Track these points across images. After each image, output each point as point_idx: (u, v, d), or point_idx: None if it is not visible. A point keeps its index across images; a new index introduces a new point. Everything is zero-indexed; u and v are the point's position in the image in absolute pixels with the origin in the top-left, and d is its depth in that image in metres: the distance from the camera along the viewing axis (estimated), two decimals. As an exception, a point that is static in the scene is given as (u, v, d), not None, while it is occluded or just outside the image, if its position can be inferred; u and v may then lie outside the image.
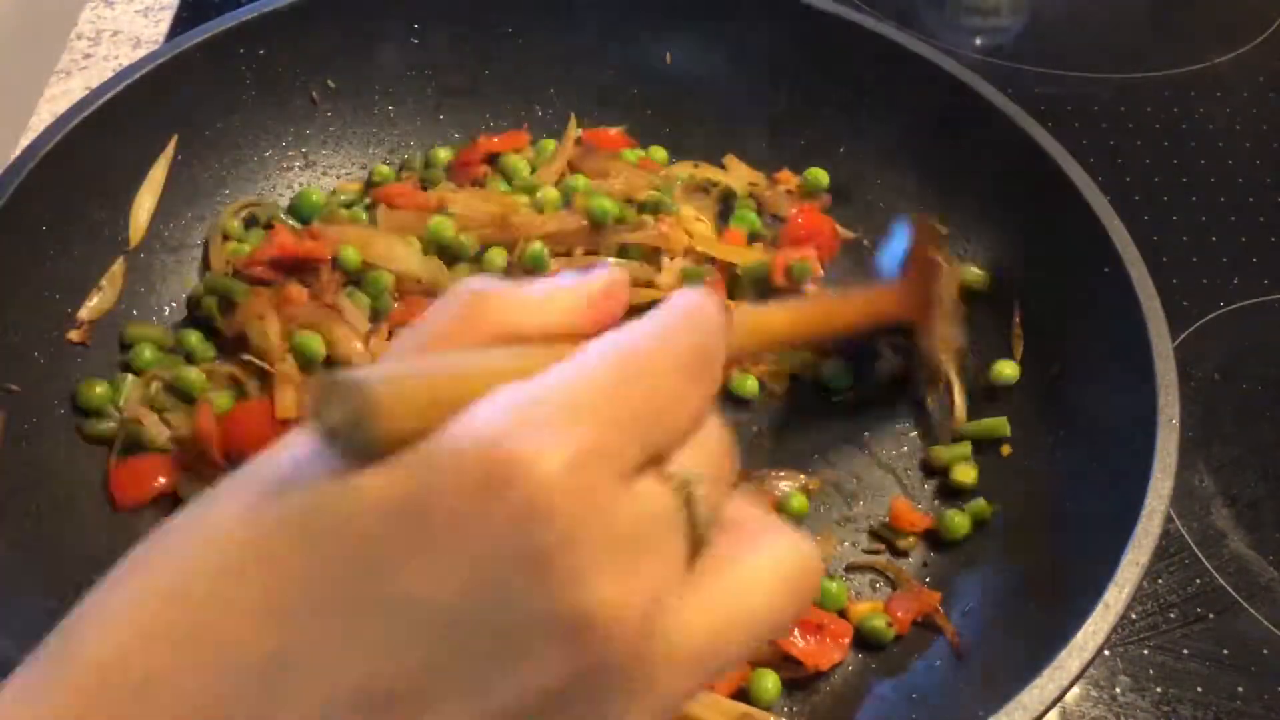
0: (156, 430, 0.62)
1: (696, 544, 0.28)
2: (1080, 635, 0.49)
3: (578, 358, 0.27)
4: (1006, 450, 0.65)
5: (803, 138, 0.79)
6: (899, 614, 0.59)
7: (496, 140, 0.78)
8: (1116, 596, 0.50)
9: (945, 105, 0.73)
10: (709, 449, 0.29)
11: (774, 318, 0.51)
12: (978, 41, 1.00)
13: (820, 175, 0.78)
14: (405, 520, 0.25)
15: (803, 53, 0.77)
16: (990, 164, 0.71)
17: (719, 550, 0.28)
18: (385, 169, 0.76)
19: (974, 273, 0.72)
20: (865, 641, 0.59)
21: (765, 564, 0.29)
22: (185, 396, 0.64)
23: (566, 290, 0.31)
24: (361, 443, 0.25)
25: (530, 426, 0.25)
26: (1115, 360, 0.61)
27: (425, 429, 0.25)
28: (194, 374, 0.64)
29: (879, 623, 0.58)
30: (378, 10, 0.76)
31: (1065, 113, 0.92)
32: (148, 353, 0.65)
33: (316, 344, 0.64)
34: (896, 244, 0.67)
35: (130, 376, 0.64)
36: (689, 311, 0.29)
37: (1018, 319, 0.69)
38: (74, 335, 0.64)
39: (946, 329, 0.67)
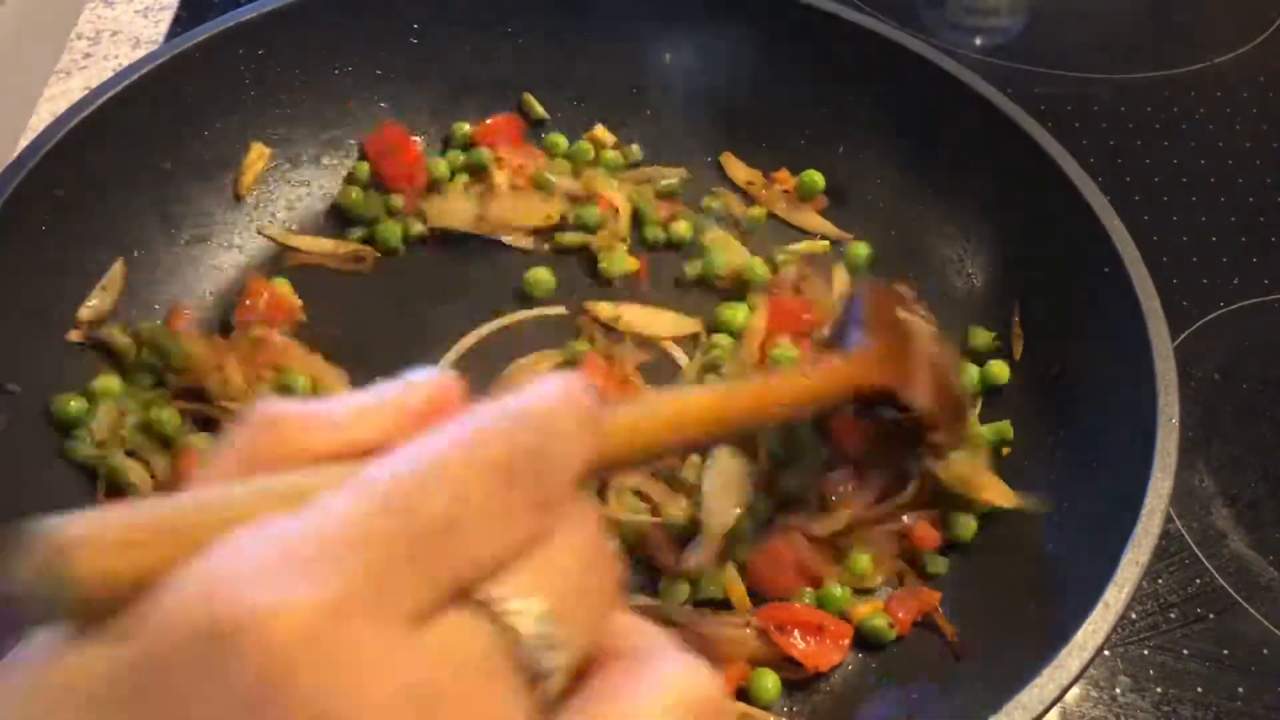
0: (139, 477, 0.60)
1: (537, 680, 0.23)
2: (1080, 634, 0.49)
3: (356, 478, 0.23)
4: (1006, 450, 0.65)
5: (801, 137, 0.79)
6: (900, 614, 0.59)
7: (489, 123, 0.78)
8: (1116, 596, 0.50)
9: (942, 103, 0.73)
10: (562, 566, 0.24)
11: (687, 406, 0.38)
12: (978, 41, 1.00)
13: (816, 178, 0.77)
14: (128, 704, 0.21)
15: (800, 51, 0.77)
16: (989, 163, 0.71)
17: (590, 687, 0.24)
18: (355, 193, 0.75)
19: (982, 334, 0.70)
20: (866, 642, 0.59)
21: (648, 702, 0.24)
22: (159, 436, 0.62)
23: (379, 405, 0.26)
24: (61, 605, 0.21)
25: (271, 572, 0.21)
26: (1115, 360, 0.61)
27: (149, 581, 0.21)
28: (166, 415, 0.61)
29: (880, 622, 0.58)
30: (377, 7, 0.77)
31: (1065, 113, 0.92)
32: (114, 384, 0.63)
33: (299, 381, 0.63)
34: (854, 313, 0.59)
35: (102, 406, 0.61)
36: (526, 406, 0.25)
37: (1017, 319, 0.69)
38: (74, 335, 0.64)
39: (942, 395, 0.58)
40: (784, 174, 0.78)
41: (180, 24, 0.93)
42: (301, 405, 0.26)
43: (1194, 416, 0.73)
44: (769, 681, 0.56)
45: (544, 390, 0.26)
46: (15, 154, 0.62)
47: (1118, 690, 0.61)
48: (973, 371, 0.68)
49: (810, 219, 0.77)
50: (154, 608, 0.21)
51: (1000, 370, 0.68)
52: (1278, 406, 0.74)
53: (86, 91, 0.67)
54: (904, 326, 0.58)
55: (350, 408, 0.26)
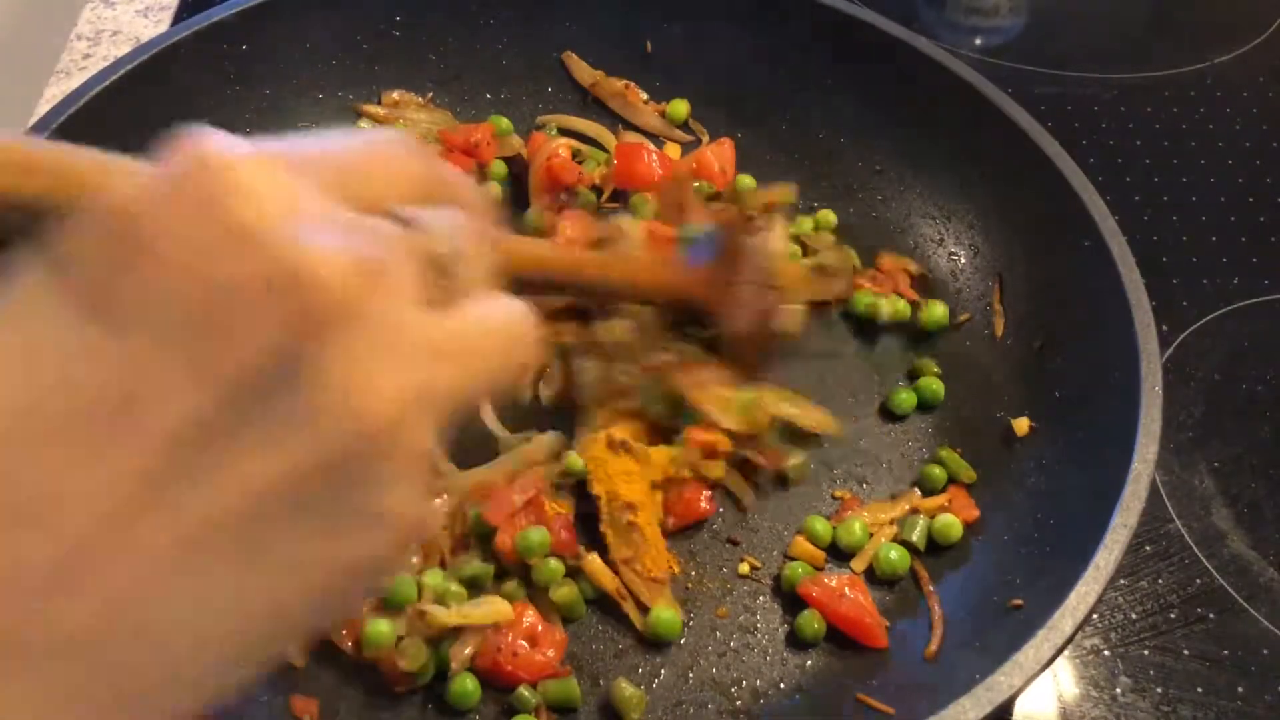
0: None
1: (439, 271, 0.30)
2: (1072, 597, 0.50)
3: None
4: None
5: (784, 120, 0.80)
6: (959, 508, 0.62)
7: (474, 131, 0.78)
8: (1106, 559, 0.51)
9: (923, 85, 0.74)
10: (455, 217, 0.31)
11: (551, 251, 0.56)
12: (978, 41, 1.00)
13: (680, 106, 0.80)
14: (114, 238, 0.26)
15: (780, 33, 0.78)
16: (967, 140, 0.73)
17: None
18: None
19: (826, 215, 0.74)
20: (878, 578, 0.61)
21: (489, 311, 0.32)
22: None
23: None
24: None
25: (218, 139, 0.27)
26: (1096, 331, 0.62)
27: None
28: None
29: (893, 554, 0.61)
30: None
31: (1065, 113, 0.92)
32: None
33: None
34: (716, 238, 0.64)
35: None
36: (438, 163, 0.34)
37: (997, 296, 0.70)
38: None
39: (751, 312, 0.62)
40: (633, 87, 0.81)
41: (180, 24, 0.93)
42: (230, 138, 0.30)
43: (1194, 416, 0.73)
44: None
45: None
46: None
47: (1118, 690, 0.61)
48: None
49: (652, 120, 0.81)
50: (111, 189, 0.27)
51: (939, 311, 0.70)
52: (1278, 406, 0.74)
53: (86, 91, 0.67)
54: (745, 257, 0.63)
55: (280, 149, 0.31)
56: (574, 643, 0.57)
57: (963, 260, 0.74)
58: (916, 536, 0.62)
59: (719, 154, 0.77)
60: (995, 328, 0.70)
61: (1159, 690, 0.61)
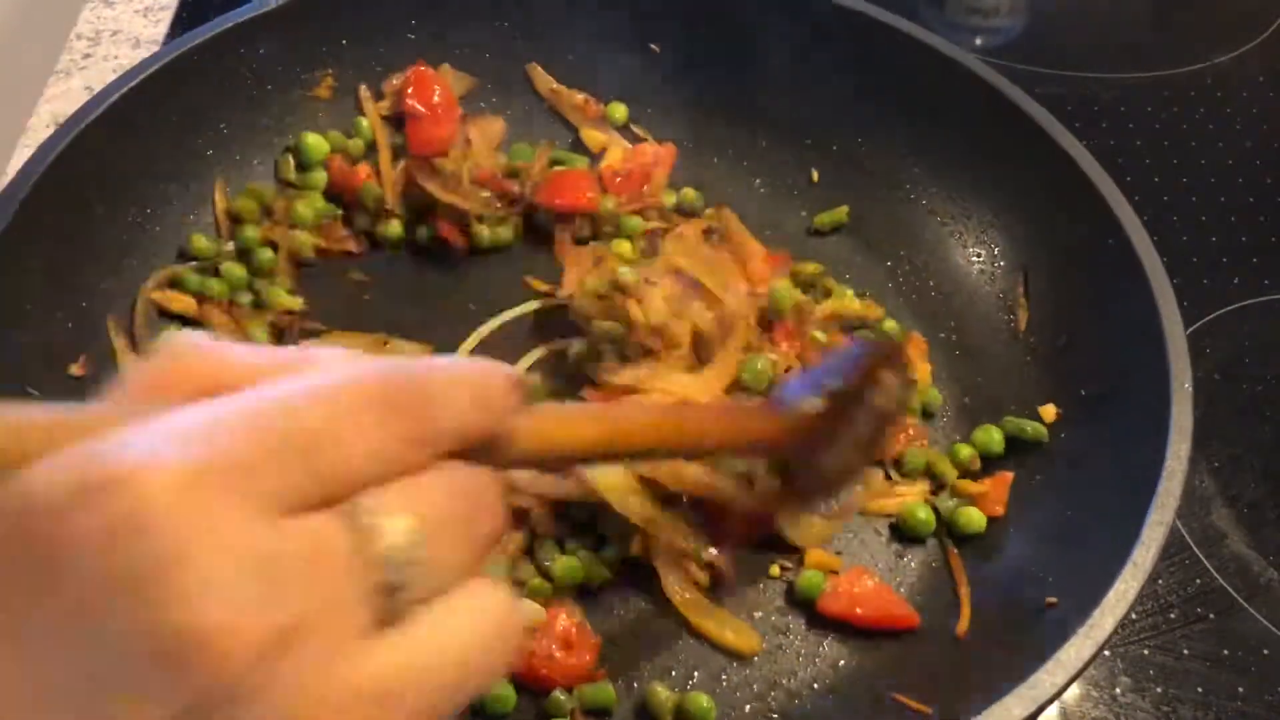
0: None
1: (392, 591, 0.25)
2: (1112, 595, 0.50)
3: (248, 390, 0.25)
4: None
5: (799, 123, 0.79)
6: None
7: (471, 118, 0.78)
8: (1144, 555, 0.51)
9: (936, 80, 0.74)
10: (434, 498, 0.27)
11: (581, 428, 0.38)
12: (978, 41, 1.00)
13: (619, 109, 0.79)
14: (5, 551, 0.23)
15: (790, 34, 0.78)
16: (989, 142, 0.72)
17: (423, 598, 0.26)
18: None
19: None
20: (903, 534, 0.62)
21: (453, 623, 0.27)
22: None
23: (282, 357, 0.28)
24: None
25: (141, 443, 0.23)
26: (1122, 328, 0.62)
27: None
28: None
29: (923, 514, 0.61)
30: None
31: (1065, 113, 0.92)
32: None
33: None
34: (834, 366, 0.54)
35: None
36: (422, 367, 0.27)
37: (1022, 291, 0.70)
38: (75, 369, 0.63)
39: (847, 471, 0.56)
40: (589, 99, 0.80)
41: (180, 24, 0.93)
42: (207, 342, 0.28)
43: (1194, 417, 0.73)
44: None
45: (445, 361, 0.28)
46: (15, 154, 0.62)
47: (1118, 690, 0.61)
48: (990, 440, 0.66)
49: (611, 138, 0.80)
50: (32, 473, 0.23)
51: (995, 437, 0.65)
52: (1278, 406, 0.74)
53: (86, 91, 0.67)
54: (867, 397, 0.52)
55: (253, 351, 0.28)
56: (607, 645, 0.57)
57: (981, 259, 0.74)
58: (946, 507, 0.62)
59: (659, 155, 0.77)
60: (1019, 322, 0.70)
61: (1159, 690, 0.61)
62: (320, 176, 0.75)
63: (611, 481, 0.58)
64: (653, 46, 0.80)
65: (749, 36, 0.78)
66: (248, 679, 0.23)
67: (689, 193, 0.77)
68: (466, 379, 0.28)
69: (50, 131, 0.64)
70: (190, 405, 0.25)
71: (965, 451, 0.64)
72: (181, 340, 0.28)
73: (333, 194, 0.75)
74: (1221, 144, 0.91)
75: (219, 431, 0.24)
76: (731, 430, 0.49)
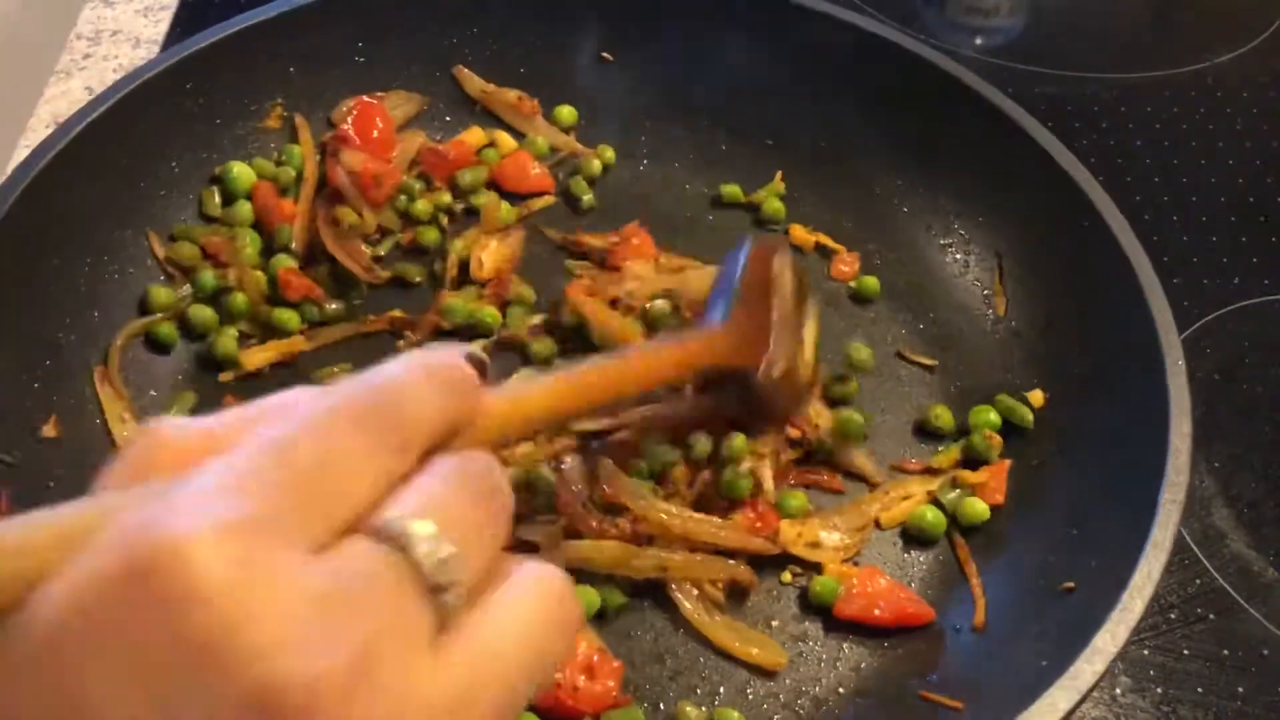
0: None
1: (439, 592, 0.26)
2: (1137, 577, 0.50)
3: (237, 446, 0.26)
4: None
5: (788, 133, 0.79)
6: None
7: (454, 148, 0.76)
8: (1163, 535, 0.52)
9: (923, 88, 0.74)
10: (442, 495, 0.28)
11: (541, 394, 0.41)
12: (978, 41, 1.00)
13: (568, 111, 0.79)
14: (65, 637, 0.23)
15: (773, 41, 0.78)
16: (954, 126, 0.73)
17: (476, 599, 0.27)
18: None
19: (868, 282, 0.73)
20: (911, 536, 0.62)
21: (511, 608, 0.28)
22: None
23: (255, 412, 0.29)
24: None
25: (174, 510, 0.24)
26: (1106, 308, 0.63)
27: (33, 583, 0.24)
28: None
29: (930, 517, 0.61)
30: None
31: (1065, 113, 0.92)
32: None
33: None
34: (730, 271, 0.60)
35: None
36: (375, 375, 0.28)
37: (998, 276, 0.71)
38: (47, 430, 0.60)
39: (791, 356, 0.58)
40: (526, 99, 0.79)
41: (180, 24, 0.93)
42: (182, 422, 0.29)
43: (1194, 416, 0.72)
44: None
45: (397, 363, 0.29)
46: (15, 154, 0.62)
47: (1118, 690, 0.61)
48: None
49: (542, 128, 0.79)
50: (80, 559, 0.24)
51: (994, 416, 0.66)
52: (1278, 406, 0.74)
53: (86, 91, 0.67)
54: (774, 291, 0.58)
55: (218, 417, 0.29)
56: (629, 669, 0.56)
57: (955, 245, 0.74)
58: (950, 500, 0.62)
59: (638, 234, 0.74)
60: (997, 306, 0.70)
61: (1159, 690, 0.61)
62: (246, 210, 0.71)
63: (609, 557, 0.57)
64: (605, 55, 0.80)
65: (722, 45, 0.78)
66: (337, 713, 0.23)
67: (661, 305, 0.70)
68: (426, 371, 0.29)
69: (50, 131, 0.64)
70: (184, 477, 0.25)
71: (988, 414, 0.65)
72: (157, 424, 0.29)
73: (257, 225, 0.71)
74: (1221, 144, 0.91)
75: (229, 490, 0.24)
76: (676, 358, 0.54)
